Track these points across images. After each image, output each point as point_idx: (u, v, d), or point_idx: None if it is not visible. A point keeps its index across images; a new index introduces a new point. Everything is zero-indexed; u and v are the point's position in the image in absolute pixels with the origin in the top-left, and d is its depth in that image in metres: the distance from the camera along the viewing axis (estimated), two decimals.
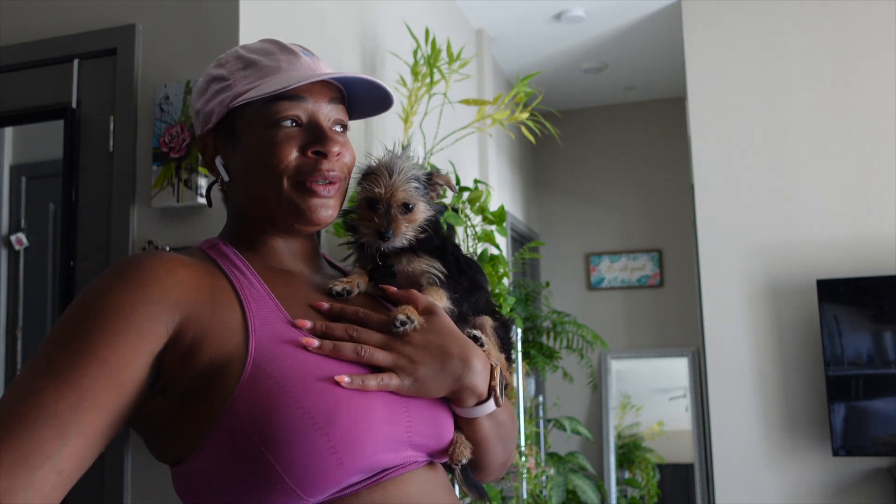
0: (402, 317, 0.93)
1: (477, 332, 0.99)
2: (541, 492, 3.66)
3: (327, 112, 0.99)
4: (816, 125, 3.71)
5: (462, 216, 2.76)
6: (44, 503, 0.78)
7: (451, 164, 3.00)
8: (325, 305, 0.96)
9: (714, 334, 3.74)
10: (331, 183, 0.98)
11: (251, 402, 0.84)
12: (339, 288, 0.99)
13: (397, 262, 1.01)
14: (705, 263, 3.79)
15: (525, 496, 3.37)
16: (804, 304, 3.57)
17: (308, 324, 0.92)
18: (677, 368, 5.28)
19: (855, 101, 3.67)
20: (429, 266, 1.00)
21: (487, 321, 1.04)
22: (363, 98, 1.06)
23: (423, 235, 1.01)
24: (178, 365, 0.86)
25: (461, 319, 1.01)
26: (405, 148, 1.06)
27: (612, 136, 5.66)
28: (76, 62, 2.19)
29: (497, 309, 1.10)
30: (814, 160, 3.69)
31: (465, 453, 0.96)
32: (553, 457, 4.08)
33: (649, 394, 5.37)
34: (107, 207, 2.11)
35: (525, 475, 3.37)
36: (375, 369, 0.90)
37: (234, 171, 1.00)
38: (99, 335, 0.83)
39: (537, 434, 4.25)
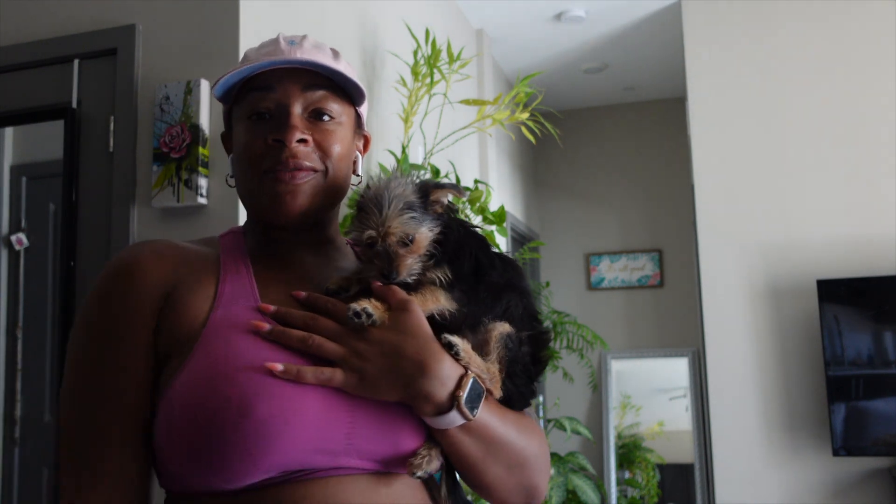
0: (356, 307, 0.86)
1: (453, 339, 0.88)
2: None
3: (303, 100, 0.96)
4: (816, 125, 3.71)
5: (462, 216, 2.76)
6: None
7: (451, 164, 3.00)
8: (304, 294, 0.92)
9: (714, 334, 3.74)
10: (298, 170, 0.94)
11: (186, 382, 0.84)
12: (333, 286, 0.94)
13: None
14: (705, 263, 3.79)
15: None
16: (804, 304, 3.56)
17: (271, 308, 0.89)
18: (677, 368, 5.28)
19: (855, 101, 3.67)
20: (430, 270, 0.92)
21: (499, 327, 0.93)
22: (345, 83, 1.00)
23: (430, 260, 0.92)
24: (161, 334, 0.90)
25: (477, 323, 0.93)
26: (398, 168, 0.98)
27: (612, 136, 5.65)
28: (76, 62, 2.19)
29: (537, 316, 1.00)
30: (814, 160, 3.69)
31: (423, 466, 0.86)
32: (553, 457, 4.08)
33: (649, 394, 5.37)
34: (107, 207, 2.11)
35: None
36: (328, 364, 0.86)
37: (234, 166, 1.02)
38: (97, 358, 0.89)
39: None
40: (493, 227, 2.85)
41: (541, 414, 4.52)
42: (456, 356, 0.87)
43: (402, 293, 0.89)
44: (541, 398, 4.66)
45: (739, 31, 3.88)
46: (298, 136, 0.93)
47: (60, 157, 2.18)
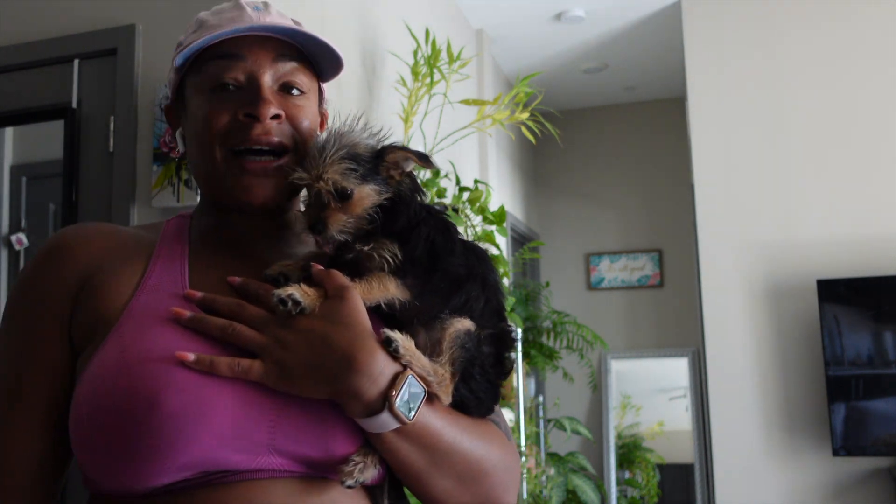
0: (281, 293, 0.77)
1: (392, 334, 0.78)
2: (541, 492, 3.66)
3: (274, 71, 0.88)
4: (816, 125, 3.71)
5: (462, 216, 2.76)
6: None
7: (451, 164, 3.00)
8: (238, 280, 0.84)
9: (714, 334, 3.74)
10: (272, 156, 0.86)
11: (94, 373, 0.78)
12: (274, 272, 0.84)
13: (349, 250, 0.84)
14: (705, 263, 3.79)
15: (525, 496, 3.38)
16: (804, 304, 3.56)
17: (198, 294, 0.82)
18: (677, 368, 5.28)
19: (855, 101, 3.67)
20: (378, 248, 0.82)
21: (456, 324, 0.83)
22: (320, 56, 0.93)
23: (371, 225, 0.83)
24: (78, 321, 0.85)
25: (435, 318, 0.84)
26: (362, 119, 0.88)
27: (612, 136, 5.66)
28: (76, 62, 2.19)
29: (503, 313, 0.90)
30: (814, 160, 3.69)
31: (354, 474, 0.77)
32: (553, 457, 4.08)
33: (649, 394, 5.37)
34: (107, 207, 2.11)
35: (525, 475, 3.37)
36: (251, 355, 0.78)
37: (188, 143, 0.93)
38: (9, 345, 0.87)
39: (537, 434, 4.25)
40: (493, 227, 2.85)
41: (541, 414, 4.52)
42: (395, 354, 0.78)
43: (341, 278, 0.80)
44: (540, 398, 4.66)
45: (739, 31, 3.88)
46: (273, 111, 0.85)
47: (60, 157, 2.18)
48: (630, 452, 5.13)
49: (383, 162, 0.84)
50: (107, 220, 2.10)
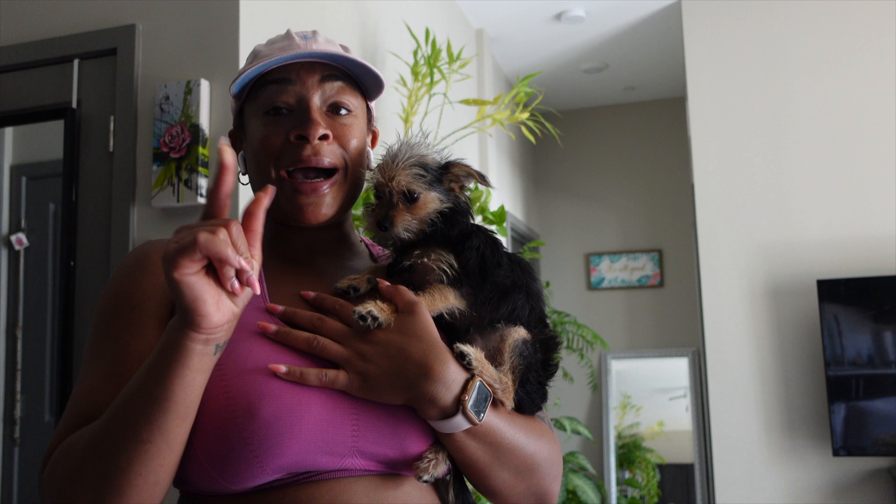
0: (361, 310, 0.84)
1: (465, 348, 0.86)
2: None
3: (321, 92, 0.95)
4: (816, 125, 3.71)
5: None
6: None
7: None
8: (312, 294, 0.91)
9: (714, 334, 3.74)
10: (322, 176, 0.93)
11: None
12: (343, 286, 0.92)
13: (409, 258, 0.91)
14: (705, 263, 3.79)
15: None
16: (804, 304, 3.56)
17: (279, 308, 0.88)
18: (677, 368, 5.28)
19: (855, 101, 3.67)
20: (437, 260, 0.89)
21: (514, 334, 0.90)
22: (364, 76, 1.00)
23: (431, 228, 0.90)
24: None
25: (488, 326, 0.90)
26: (424, 135, 0.97)
27: (612, 136, 5.66)
28: (76, 62, 2.19)
29: (545, 319, 0.97)
30: (814, 160, 3.69)
31: (430, 469, 0.85)
32: None
33: (649, 394, 5.37)
34: (107, 207, 2.11)
35: None
36: (333, 366, 0.85)
37: (248, 164, 1.00)
38: (126, 330, 0.88)
39: None
40: (493, 227, 2.86)
41: None
42: (468, 366, 0.85)
43: (409, 294, 0.87)
44: None
45: (739, 31, 3.88)
46: (321, 131, 0.92)
47: (60, 157, 2.18)
48: (630, 452, 5.13)
49: (448, 174, 0.94)
50: (107, 220, 2.10)
